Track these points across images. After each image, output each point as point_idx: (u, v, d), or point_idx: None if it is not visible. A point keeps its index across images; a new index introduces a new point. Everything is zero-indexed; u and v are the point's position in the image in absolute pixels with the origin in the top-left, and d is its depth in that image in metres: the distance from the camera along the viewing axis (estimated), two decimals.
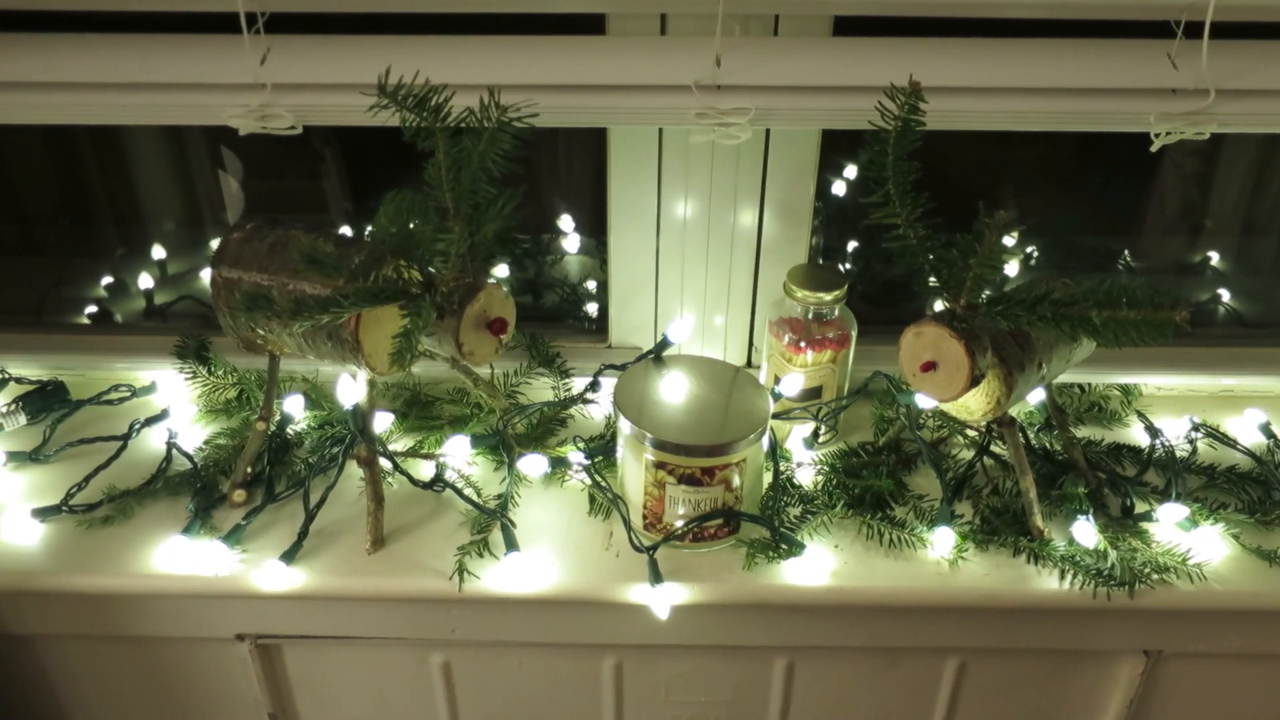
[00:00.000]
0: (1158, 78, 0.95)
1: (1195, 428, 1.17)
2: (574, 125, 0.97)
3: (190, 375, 1.18)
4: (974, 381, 0.90)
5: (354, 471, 1.06)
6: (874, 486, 1.06)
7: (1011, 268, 1.42)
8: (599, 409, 1.20)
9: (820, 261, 1.34)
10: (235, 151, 1.36)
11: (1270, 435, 1.17)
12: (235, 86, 0.95)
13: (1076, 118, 0.97)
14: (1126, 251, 1.46)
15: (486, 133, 0.80)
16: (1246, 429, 1.19)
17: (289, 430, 1.14)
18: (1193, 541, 1.02)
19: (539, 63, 0.94)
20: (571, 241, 1.41)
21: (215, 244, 0.99)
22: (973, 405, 0.96)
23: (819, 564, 1.00)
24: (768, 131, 1.08)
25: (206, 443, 1.14)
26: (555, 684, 1.12)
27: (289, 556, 0.99)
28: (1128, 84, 0.95)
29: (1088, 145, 1.37)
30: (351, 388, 0.98)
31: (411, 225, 0.84)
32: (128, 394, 1.21)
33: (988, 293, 0.88)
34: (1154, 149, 0.97)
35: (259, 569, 0.99)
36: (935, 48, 0.97)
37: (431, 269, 0.85)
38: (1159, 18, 0.95)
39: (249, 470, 1.07)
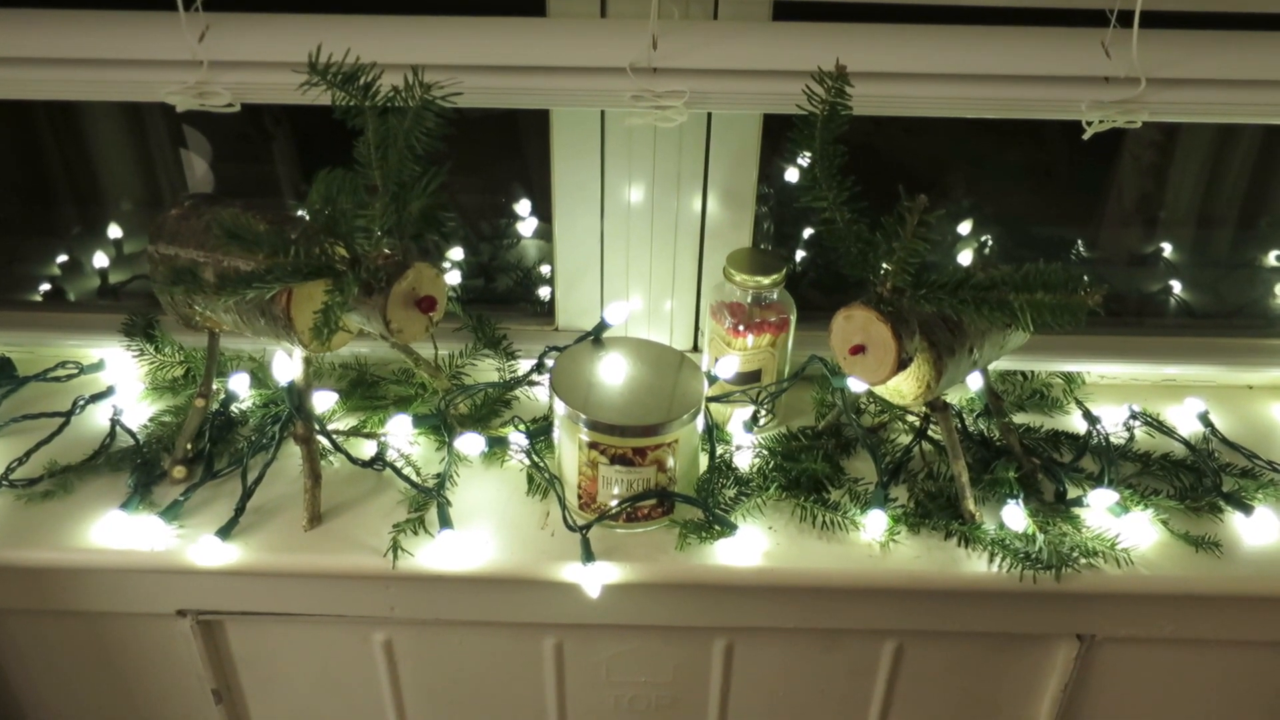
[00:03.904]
0: (1091, 66, 0.96)
1: (1133, 416, 1.18)
2: (510, 106, 0.98)
3: (137, 353, 1.19)
4: (901, 364, 0.90)
5: (294, 449, 1.07)
6: (809, 469, 1.07)
7: (965, 257, 1.43)
8: (543, 391, 1.21)
9: (770, 247, 1.35)
10: (202, 131, 1.36)
11: (1207, 424, 1.18)
12: (173, 63, 0.96)
13: (1010, 104, 0.98)
14: (1081, 242, 1.47)
15: (411, 111, 0.80)
16: (1186, 418, 1.20)
17: (233, 409, 1.15)
18: (1122, 527, 1.03)
19: (472, 43, 0.94)
20: (528, 226, 1.42)
21: None
22: (904, 389, 0.97)
23: (751, 545, 1.01)
24: (710, 116, 1.08)
25: (151, 420, 1.15)
26: (497, 664, 1.13)
27: (225, 532, 1.00)
28: (1061, 71, 0.96)
29: (1049, 136, 1.37)
30: (287, 365, 0.98)
31: (342, 203, 0.85)
32: (75, 371, 1.21)
33: (909, 276, 0.88)
34: (1086, 137, 0.97)
35: (195, 544, 0.99)
36: (872, 34, 0.98)
37: (357, 246, 0.85)
38: (1094, 6, 0.96)
39: (189, 447, 1.07)
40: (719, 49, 0.96)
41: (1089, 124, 0.98)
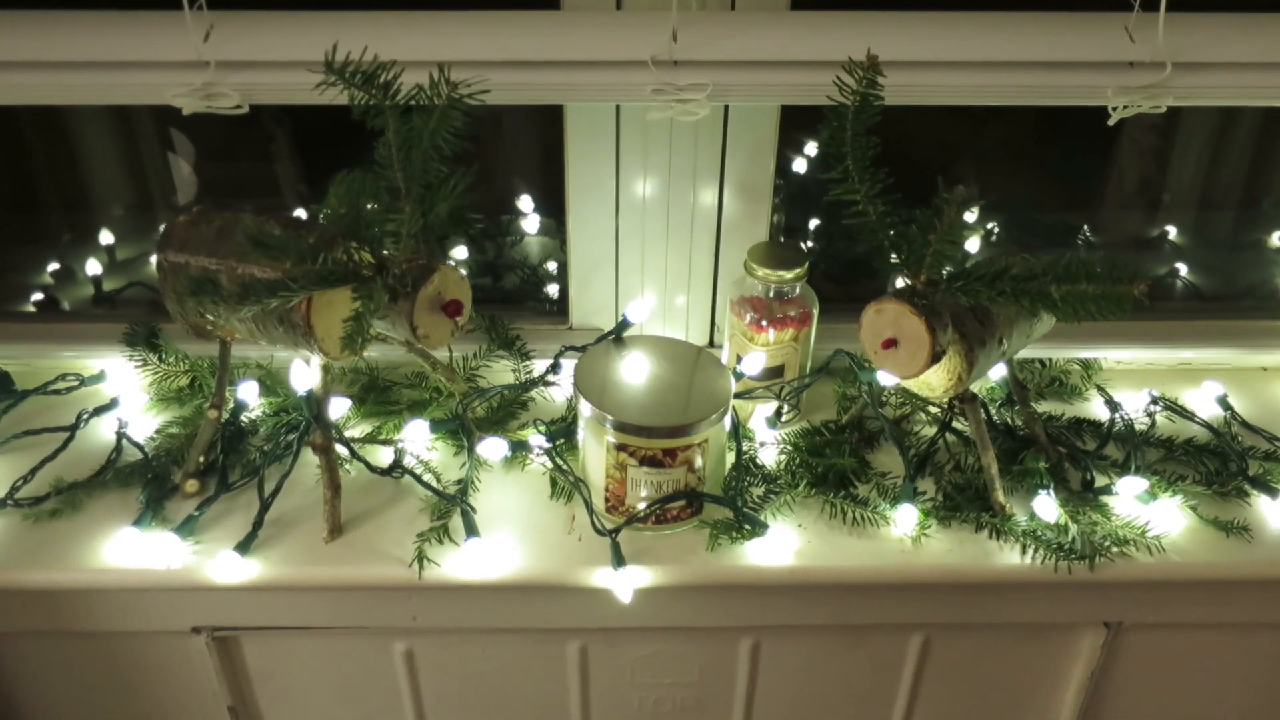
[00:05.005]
0: (1115, 51, 0.95)
1: (1154, 401, 1.18)
2: (529, 103, 0.95)
3: (140, 363, 1.15)
4: (935, 358, 0.89)
5: (310, 459, 1.04)
6: (837, 465, 1.06)
7: (972, 244, 1.42)
8: (560, 391, 1.18)
9: (782, 239, 1.33)
10: (186, 133, 1.33)
11: (1227, 407, 1.18)
12: (178, 64, 0.92)
13: (1035, 91, 0.97)
14: (1086, 227, 1.47)
15: (437, 110, 0.78)
16: (1204, 401, 1.20)
17: (243, 418, 1.12)
18: (1151, 514, 1.03)
19: (491, 38, 0.92)
20: (531, 222, 1.40)
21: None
22: (934, 382, 0.96)
23: (782, 544, 1.00)
24: (726, 108, 1.06)
25: (158, 432, 1.11)
26: (519, 669, 1.11)
27: (244, 547, 0.97)
28: (1085, 57, 0.95)
29: (1046, 120, 1.36)
30: (305, 373, 0.95)
31: (362, 206, 0.82)
32: (75, 383, 1.17)
33: (948, 269, 0.87)
34: (1111, 122, 0.96)
35: (213, 560, 0.96)
36: (893, 22, 0.96)
37: (384, 250, 0.83)
38: None
39: (201, 460, 1.04)
40: (741, 40, 0.94)
41: (1114, 109, 0.97)
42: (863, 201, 0.87)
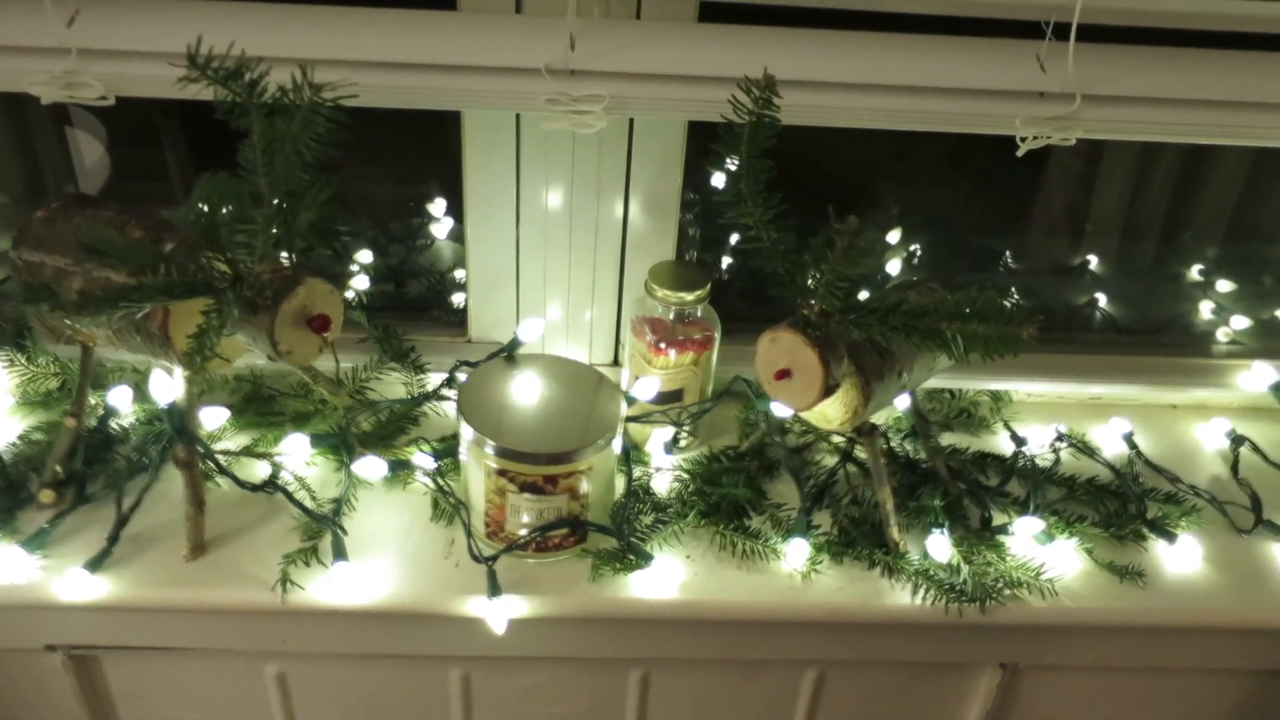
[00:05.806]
0: (1025, 80, 0.92)
1: (1059, 437, 1.16)
2: (415, 106, 0.90)
3: (6, 363, 1.09)
4: (828, 391, 0.86)
5: (178, 472, 0.98)
6: (731, 495, 1.03)
7: (894, 266, 1.39)
8: (453, 407, 1.13)
9: (695, 255, 1.30)
10: (94, 113, 1.25)
11: (1133, 445, 1.16)
12: (38, 50, 0.87)
13: (943, 118, 0.94)
14: (1008, 253, 1.45)
15: (299, 114, 0.73)
16: (1111, 438, 1.18)
17: (113, 424, 1.06)
18: (1048, 555, 1.00)
19: (373, 37, 0.87)
20: (443, 227, 1.35)
21: None
22: (831, 414, 0.93)
23: (668, 576, 0.96)
24: (631, 120, 1.02)
25: (20, 437, 1.05)
26: (400, 696, 1.07)
27: (94, 564, 0.91)
28: (995, 85, 0.93)
29: (972, 142, 1.34)
30: (167, 384, 0.90)
31: (222, 212, 0.77)
32: None
33: (841, 300, 0.84)
34: (1020, 153, 0.94)
35: (61, 577, 0.91)
36: (801, 40, 0.93)
37: (239, 261, 0.77)
38: (1028, 18, 0.92)
39: (59, 469, 0.98)
40: (641, 51, 0.90)
41: (1023, 140, 0.94)
42: (756, 226, 0.83)
